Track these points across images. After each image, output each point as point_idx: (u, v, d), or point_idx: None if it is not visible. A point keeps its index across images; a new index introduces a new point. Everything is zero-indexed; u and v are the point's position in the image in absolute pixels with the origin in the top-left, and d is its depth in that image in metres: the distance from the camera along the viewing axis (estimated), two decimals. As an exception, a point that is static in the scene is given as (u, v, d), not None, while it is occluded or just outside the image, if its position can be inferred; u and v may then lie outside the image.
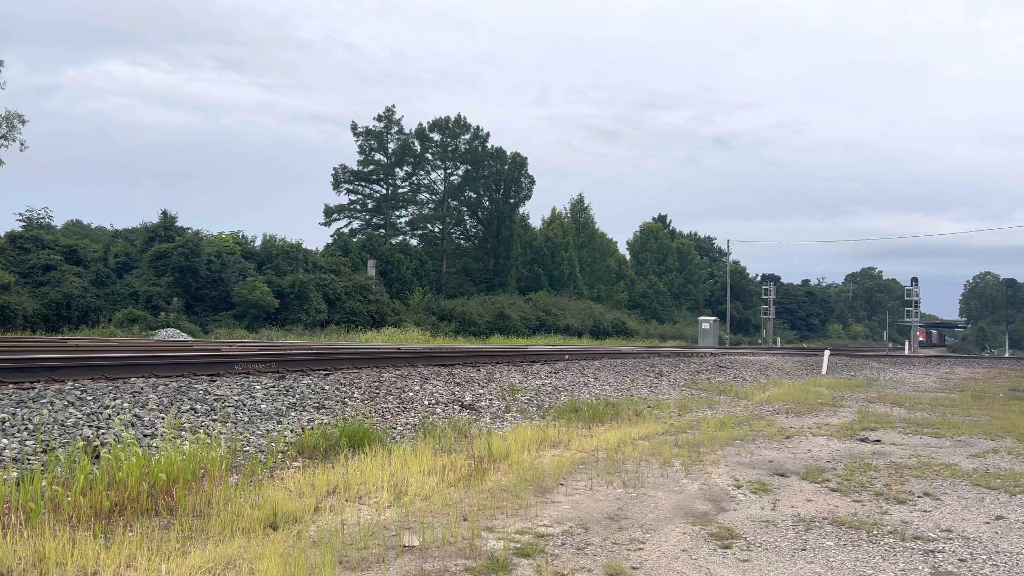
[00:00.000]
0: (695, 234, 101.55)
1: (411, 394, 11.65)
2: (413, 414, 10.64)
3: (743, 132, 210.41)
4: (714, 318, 69.45)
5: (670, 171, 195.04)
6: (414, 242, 64.95)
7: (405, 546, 5.09)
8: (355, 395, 10.81)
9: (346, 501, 6.24)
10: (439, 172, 66.20)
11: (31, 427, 6.94)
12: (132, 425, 7.53)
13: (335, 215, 63.84)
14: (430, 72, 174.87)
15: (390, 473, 6.97)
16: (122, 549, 4.61)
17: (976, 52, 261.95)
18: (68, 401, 7.79)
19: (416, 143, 64.49)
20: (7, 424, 6.89)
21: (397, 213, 65.62)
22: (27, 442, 6.62)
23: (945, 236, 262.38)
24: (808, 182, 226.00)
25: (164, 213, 42.76)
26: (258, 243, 48.46)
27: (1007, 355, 68.97)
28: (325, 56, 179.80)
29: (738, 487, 7.38)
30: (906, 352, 57.60)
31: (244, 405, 9.14)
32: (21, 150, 39.17)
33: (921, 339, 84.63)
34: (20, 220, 43.93)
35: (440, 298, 54.76)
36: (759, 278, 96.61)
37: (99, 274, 38.52)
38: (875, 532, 5.89)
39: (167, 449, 6.33)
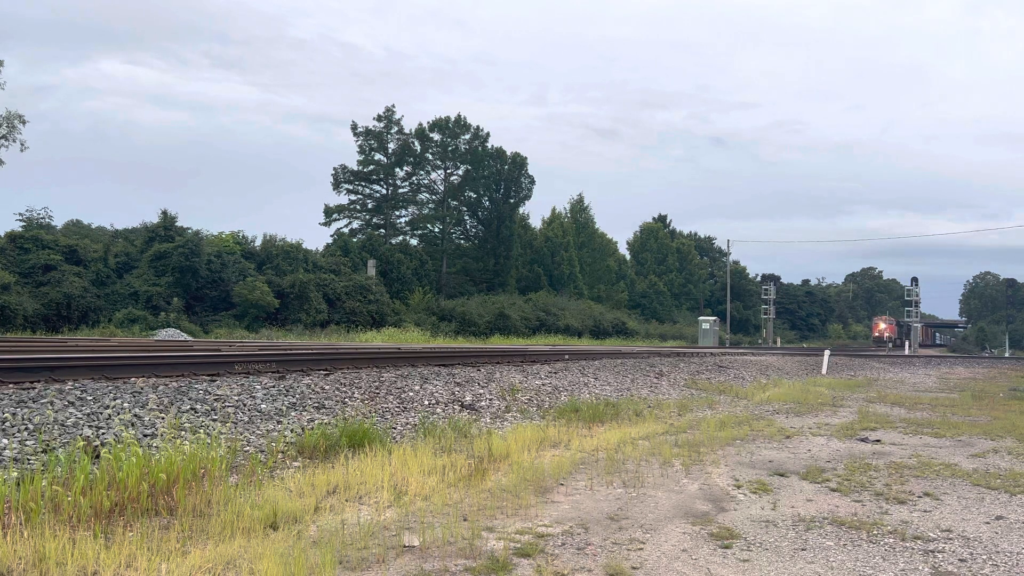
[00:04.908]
0: (695, 234, 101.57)
1: (411, 394, 11.65)
2: (413, 414, 10.64)
3: (741, 131, 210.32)
4: (714, 318, 69.41)
5: (668, 170, 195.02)
6: (414, 242, 64.97)
7: (405, 546, 5.09)
8: (355, 395, 10.81)
9: (346, 501, 6.24)
10: (439, 172, 66.31)
11: (31, 427, 6.94)
12: (132, 425, 7.53)
13: (335, 215, 63.87)
14: (427, 71, 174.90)
15: (390, 473, 6.97)
16: (122, 549, 4.61)
17: (974, 52, 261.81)
18: (68, 401, 7.79)
19: (416, 143, 64.53)
20: (7, 424, 6.89)
21: (397, 213, 65.65)
22: (27, 442, 6.62)
23: (945, 236, 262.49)
24: (807, 182, 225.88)
25: (164, 213, 42.78)
26: (258, 243, 48.51)
27: (1007, 355, 68.91)
28: (321, 55, 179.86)
29: (738, 487, 7.38)
30: (906, 352, 57.59)
31: (244, 405, 9.14)
32: (22, 150, 39.21)
33: (877, 335, 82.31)
34: (20, 220, 44.03)
35: (440, 298, 54.75)
36: (759, 278, 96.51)
37: (99, 274, 38.52)
38: (875, 532, 5.89)
39: (167, 449, 6.33)
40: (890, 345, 73.60)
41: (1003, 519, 6.47)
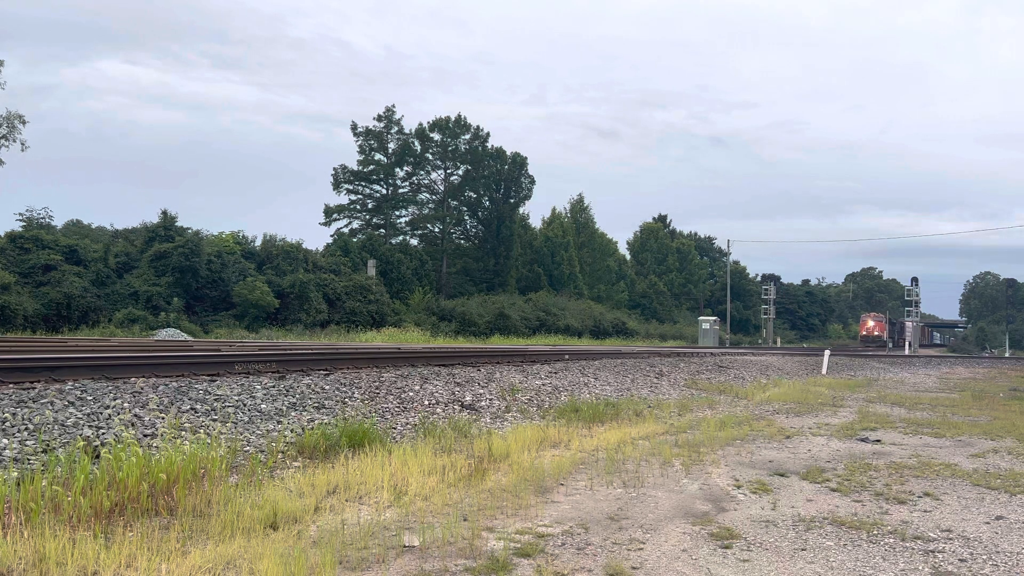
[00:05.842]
0: (695, 234, 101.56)
1: (411, 394, 11.65)
2: (413, 414, 10.64)
3: (741, 131, 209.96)
4: (714, 318, 69.40)
5: (668, 170, 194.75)
6: (414, 242, 64.95)
7: (405, 546, 5.09)
8: (355, 395, 10.81)
9: (346, 501, 6.24)
10: (439, 172, 66.26)
11: (31, 427, 6.94)
12: (132, 425, 7.53)
13: (335, 215, 63.85)
14: (426, 71, 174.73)
15: (390, 473, 6.97)
16: (122, 549, 4.61)
17: (974, 52, 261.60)
18: (68, 401, 7.79)
19: (416, 143, 64.51)
20: (7, 424, 6.89)
21: (397, 213, 65.61)
22: (27, 442, 6.62)
23: (945, 236, 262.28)
24: (807, 182, 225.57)
25: (164, 213, 42.75)
26: (258, 243, 48.44)
27: (1007, 355, 68.89)
28: (320, 55, 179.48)
29: (738, 487, 7.38)
30: (906, 352, 57.57)
31: (244, 405, 9.14)
32: (22, 150, 39.19)
33: (865, 333, 74.61)
34: (20, 220, 43.95)
35: (440, 298, 54.75)
36: (759, 278, 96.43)
37: (99, 274, 38.50)
38: (875, 532, 5.89)
39: (167, 449, 6.33)
40: (890, 345, 73.35)
41: (1003, 519, 6.47)
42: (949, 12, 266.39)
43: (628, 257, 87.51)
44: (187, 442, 6.83)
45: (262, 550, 4.72)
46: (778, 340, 75.39)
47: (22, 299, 32.85)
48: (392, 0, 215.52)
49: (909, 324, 68.19)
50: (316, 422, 9.06)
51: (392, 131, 63.76)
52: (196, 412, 8.49)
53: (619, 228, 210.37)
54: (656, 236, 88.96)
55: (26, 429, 6.89)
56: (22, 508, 5.00)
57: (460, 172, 65.99)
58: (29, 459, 6.28)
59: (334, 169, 63.05)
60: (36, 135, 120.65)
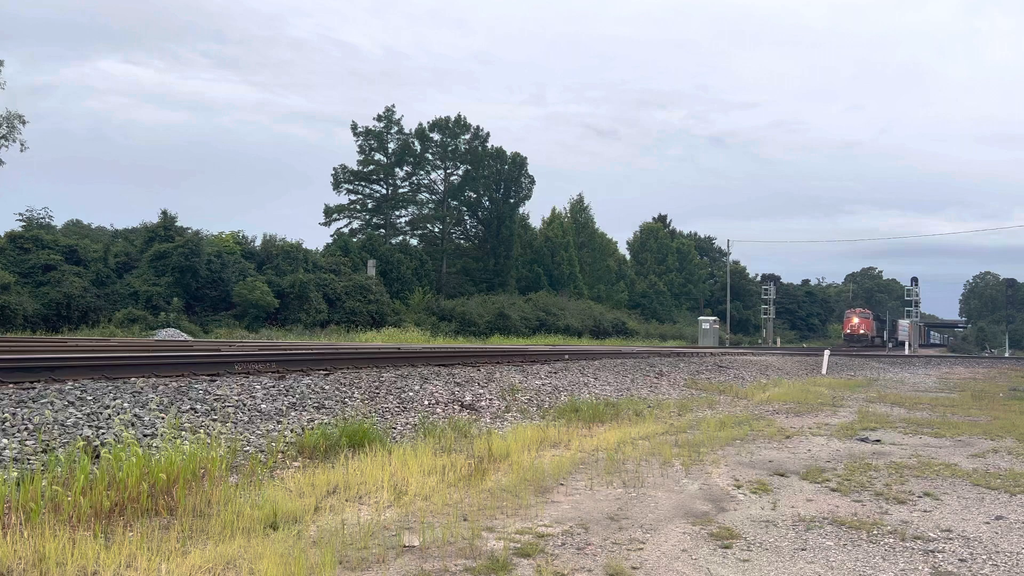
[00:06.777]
0: (695, 234, 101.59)
1: (411, 394, 11.65)
2: (413, 414, 10.64)
3: (740, 131, 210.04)
4: (714, 318, 69.39)
5: (667, 170, 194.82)
6: (414, 242, 64.97)
7: (405, 546, 5.09)
8: (355, 395, 10.81)
9: (346, 501, 6.24)
10: (439, 172, 66.32)
11: (31, 427, 6.94)
12: (132, 425, 7.53)
13: (335, 215, 63.88)
14: (426, 70, 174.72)
15: (390, 473, 6.97)
16: (122, 549, 4.61)
17: (973, 52, 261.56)
18: (68, 401, 7.79)
19: (416, 143, 64.55)
20: (7, 424, 6.89)
21: (397, 213, 65.68)
22: (27, 442, 6.62)
23: (945, 236, 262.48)
24: (807, 181, 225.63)
25: (164, 213, 42.78)
26: (258, 243, 48.48)
27: (1007, 355, 68.82)
28: (320, 55, 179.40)
29: (738, 487, 7.38)
30: (906, 352, 57.53)
31: (244, 405, 9.14)
32: (22, 150, 39.21)
33: (849, 331, 69.98)
34: (20, 220, 44.03)
35: (440, 298, 54.76)
36: (759, 278, 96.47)
37: (99, 274, 38.52)
38: (875, 532, 5.89)
39: (167, 449, 6.33)
40: (890, 345, 73.22)
41: (1003, 519, 6.47)
42: (949, 12, 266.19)
43: (628, 257, 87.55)
44: (187, 442, 6.82)
45: (262, 550, 4.72)
46: (778, 340, 75.34)
47: (22, 299, 32.86)
48: (392, 0, 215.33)
49: (904, 322, 66.96)
50: (316, 422, 9.06)
51: (392, 131, 63.81)
52: (196, 412, 8.49)
53: (619, 228, 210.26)
54: (656, 236, 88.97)
55: (26, 429, 6.89)
56: (22, 508, 4.99)
57: (460, 172, 66.02)
58: (29, 459, 6.28)
59: (334, 169, 63.19)
60: (36, 135, 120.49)
